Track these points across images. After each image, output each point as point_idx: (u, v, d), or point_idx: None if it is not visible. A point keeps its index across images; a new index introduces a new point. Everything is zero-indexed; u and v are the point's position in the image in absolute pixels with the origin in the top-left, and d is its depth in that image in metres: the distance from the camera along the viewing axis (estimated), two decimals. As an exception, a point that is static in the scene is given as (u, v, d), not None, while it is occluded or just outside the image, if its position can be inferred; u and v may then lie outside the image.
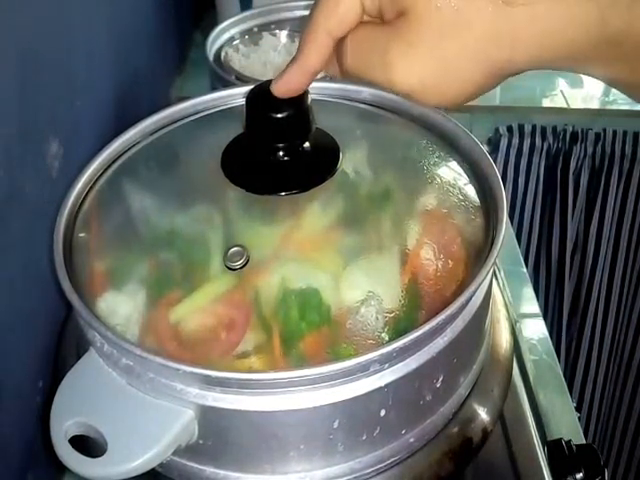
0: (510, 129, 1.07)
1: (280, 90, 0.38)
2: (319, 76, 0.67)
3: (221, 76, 0.71)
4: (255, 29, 0.81)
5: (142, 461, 0.33)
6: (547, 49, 0.32)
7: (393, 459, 0.38)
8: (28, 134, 0.46)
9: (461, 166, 0.44)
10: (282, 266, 0.38)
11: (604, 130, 1.07)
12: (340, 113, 0.49)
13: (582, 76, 1.13)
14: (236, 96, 0.50)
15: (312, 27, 0.35)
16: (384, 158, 0.46)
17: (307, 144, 0.42)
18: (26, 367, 0.47)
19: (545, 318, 0.70)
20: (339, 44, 0.36)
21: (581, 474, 0.48)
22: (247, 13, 0.83)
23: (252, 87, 0.41)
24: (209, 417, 0.35)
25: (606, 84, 0.34)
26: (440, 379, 0.38)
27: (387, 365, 0.35)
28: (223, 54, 0.77)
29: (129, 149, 0.47)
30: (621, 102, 1.08)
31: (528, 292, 0.73)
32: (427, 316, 0.35)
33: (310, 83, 0.38)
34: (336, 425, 0.35)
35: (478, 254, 0.39)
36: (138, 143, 0.48)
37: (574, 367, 1.24)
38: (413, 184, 0.44)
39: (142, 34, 0.80)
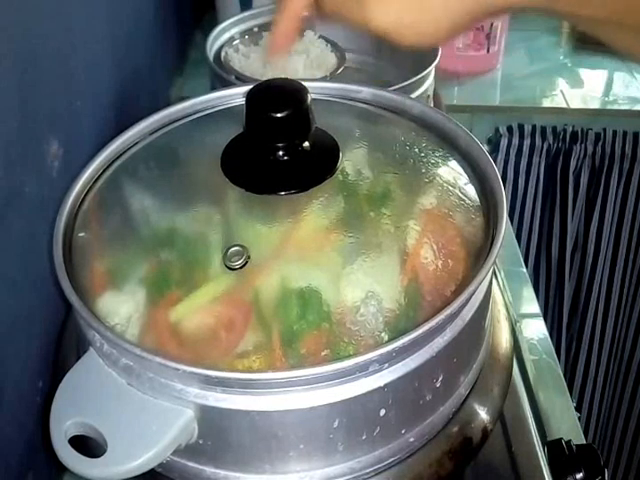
0: (510, 129, 1.07)
1: (276, 45, 0.39)
2: (319, 76, 0.67)
3: (221, 76, 0.71)
4: (255, 29, 0.81)
5: (142, 461, 0.33)
6: None
7: (393, 459, 0.38)
8: (28, 134, 0.46)
9: (461, 166, 0.44)
10: (282, 266, 0.38)
11: (604, 130, 1.07)
12: (340, 113, 0.49)
13: (582, 76, 1.14)
14: (236, 96, 0.50)
15: None
16: (384, 158, 0.46)
17: (307, 144, 0.42)
18: (26, 367, 0.47)
19: (545, 318, 0.70)
20: None
21: (581, 474, 0.48)
22: (247, 13, 0.83)
23: (252, 87, 0.41)
24: (209, 417, 0.35)
25: (585, 29, 0.34)
26: (440, 379, 0.38)
27: (387, 365, 0.35)
28: (223, 54, 0.77)
29: (129, 149, 0.47)
30: (621, 102, 1.08)
31: (528, 292, 0.73)
32: (427, 316, 0.35)
33: (298, 29, 0.38)
34: (336, 425, 0.35)
35: (478, 254, 0.39)
36: (138, 143, 0.48)
37: (574, 367, 1.24)
38: (413, 184, 0.44)
39: (142, 34, 0.80)
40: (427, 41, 0.35)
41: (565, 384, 0.62)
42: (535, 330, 0.68)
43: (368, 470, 0.38)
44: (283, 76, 0.44)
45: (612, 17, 0.32)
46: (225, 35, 0.80)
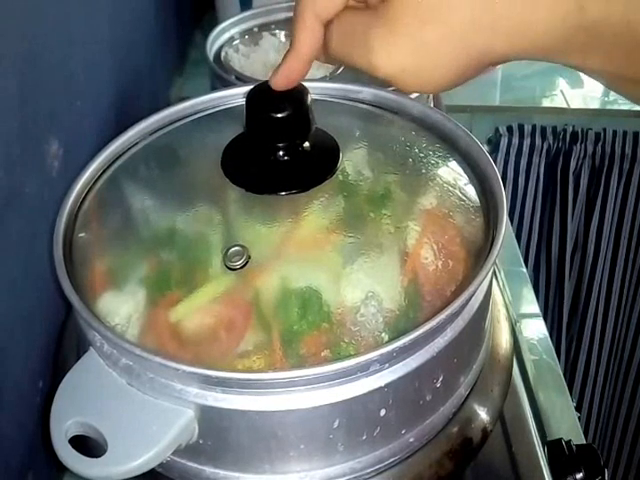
0: (510, 129, 1.07)
1: (279, 83, 0.39)
2: (319, 76, 0.67)
3: (221, 76, 0.71)
4: (255, 29, 0.81)
5: (142, 461, 0.33)
6: (526, 38, 0.32)
7: (393, 459, 0.38)
8: (28, 134, 0.46)
9: (461, 166, 0.44)
10: (282, 266, 0.38)
11: (604, 130, 1.07)
12: (340, 113, 0.49)
13: (582, 76, 1.14)
14: (236, 96, 0.50)
15: (300, 12, 0.36)
16: (384, 158, 0.46)
17: (307, 144, 0.42)
18: (26, 367, 0.47)
19: (545, 318, 0.70)
20: (326, 29, 0.36)
21: (581, 474, 0.48)
22: (247, 13, 0.83)
23: (252, 87, 0.41)
24: (209, 417, 0.35)
25: (587, 75, 0.34)
26: (440, 379, 0.38)
27: (387, 365, 0.35)
28: (223, 54, 0.77)
29: (129, 149, 0.47)
30: (621, 102, 1.08)
31: (528, 292, 0.73)
32: (427, 316, 0.35)
33: (307, 71, 0.38)
34: (336, 425, 0.35)
35: (478, 254, 0.39)
36: (138, 143, 0.48)
37: (574, 367, 1.24)
38: (413, 184, 0.44)
39: (142, 34, 0.80)
40: (432, 88, 0.36)
41: (565, 384, 0.62)
42: (535, 330, 0.68)
43: (368, 470, 0.38)
44: (283, 76, 0.44)
45: (614, 71, 0.32)
46: (225, 35, 0.80)
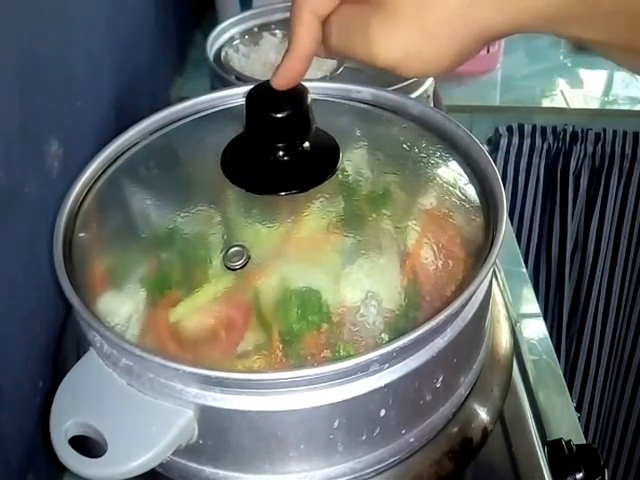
0: (510, 129, 1.07)
1: (280, 83, 0.38)
2: (319, 76, 0.67)
3: (221, 76, 0.71)
4: (255, 29, 0.81)
5: (142, 461, 0.33)
6: (526, 11, 0.32)
7: (393, 459, 0.38)
8: (28, 134, 0.46)
9: (461, 166, 0.44)
10: (282, 266, 0.38)
11: (604, 130, 1.06)
12: (340, 113, 0.49)
13: (582, 76, 1.13)
14: (236, 96, 0.50)
15: (296, 9, 0.36)
16: (384, 158, 0.46)
17: (307, 144, 0.42)
18: (26, 367, 0.47)
19: (545, 318, 0.70)
20: (324, 24, 0.36)
21: (581, 474, 0.48)
22: (247, 13, 0.83)
23: (252, 87, 0.41)
24: (209, 417, 0.35)
25: (588, 47, 0.34)
26: (440, 379, 0.38)
27: (387, 365, 0.35)
28: (223, 54, 0.77)
29: (129, 149, 0.47)
30: (621, 102, 1.08)
31: (528, 292, 0.73)
32: (427, 316, 0.35)
33: (307, 68, 0.38)
34: (336, 425, 0.35)
35: (478, 254, 0.39)
36: (138, 143, 0.48)
37: (574, 367, 1.24)
38: (413, 184, 0.44)
39: (142, 34, 0.80)
40: (434, 70, 0.35)
41: (565, 384, 0.62)
42: (535, 330, 0.68)
43: (368, 470, 0.38)
44: (283, 76, 0.44)
45: (615, 41, 0.32)
46: (225, 35, 0.80)
